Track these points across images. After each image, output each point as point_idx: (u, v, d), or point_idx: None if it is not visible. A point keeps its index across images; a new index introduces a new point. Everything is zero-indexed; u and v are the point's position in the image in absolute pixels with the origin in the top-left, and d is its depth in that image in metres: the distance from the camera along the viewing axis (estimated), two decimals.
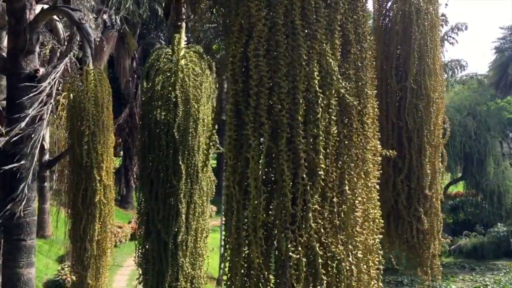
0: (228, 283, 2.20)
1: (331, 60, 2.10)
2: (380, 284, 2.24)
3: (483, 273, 23.82)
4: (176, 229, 5.16)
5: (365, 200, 2.22)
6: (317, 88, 2.08)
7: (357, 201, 2.16)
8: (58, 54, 7.54)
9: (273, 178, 2.15)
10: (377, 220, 2.26)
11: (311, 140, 2.10)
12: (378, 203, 2.32)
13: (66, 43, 6.97)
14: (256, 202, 2.08)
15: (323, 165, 2.07)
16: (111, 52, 20.75)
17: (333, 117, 2.10)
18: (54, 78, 6.71)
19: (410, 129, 5.33)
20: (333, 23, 2.15)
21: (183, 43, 5.54)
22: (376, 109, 2.39)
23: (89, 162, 6.11)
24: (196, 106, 5.21)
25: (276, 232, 2.08)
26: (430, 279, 5.36)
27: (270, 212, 2.14)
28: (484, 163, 26.14)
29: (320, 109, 2.08)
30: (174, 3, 5.60)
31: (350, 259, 2.09)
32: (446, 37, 37.78)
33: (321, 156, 2.06)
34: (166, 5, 5.93)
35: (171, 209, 5.21)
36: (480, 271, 24.12)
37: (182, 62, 5.44)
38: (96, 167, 6.13)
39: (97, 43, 19.61)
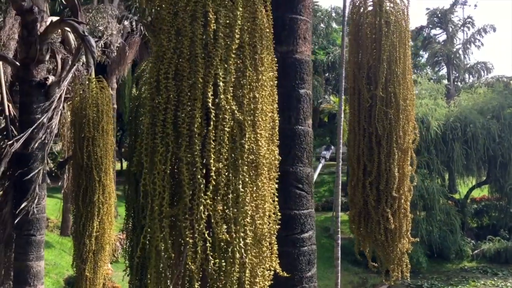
0: (148, 261, 2.69)
1: (222, 83, 2.56)
2: (274, 263, 2.72)
3: (506, 278, 23.40)
4: None
5: (256, 196, 2.67)
6: (211, 106, 2.55)
7: (247, 198, 2.60)
8: (70, 63, 8.11)
9: (177, 178, 2.62)
10: (267, 213, 2.71)
11: (206, 147, 2.56)
12: (276, 198, 2.78)
13: (74, 53, 7.54)
14: (162, 197, 2.56)
15: (214, 168, 2.53)
16: (134, 57, 21.35)
17: (226, 128, 2.56)
18: (63, 86, 7.32)
19: (379, 135, 5.65)
20: (229, 51, 2.61)
21: None
22: (277, 120, 2.84)
23: (89, 164, 6.63)
24: None
25: (178, 222, 2.56)
26: (400, 275, 5.70)
27: (175, 205, 2.61)
28: (508, 167, 25.62)
29: (212, 123, 2.54)
30: None
31: (241, 244, 2.55)
32: (472, 39, 37.11)
33: (211, 161, 2.54)
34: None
35: None
36: (502, 276, 23.70)
37: None
38: (95, 168, 6.65)
39: (120, 49, 20.21)
